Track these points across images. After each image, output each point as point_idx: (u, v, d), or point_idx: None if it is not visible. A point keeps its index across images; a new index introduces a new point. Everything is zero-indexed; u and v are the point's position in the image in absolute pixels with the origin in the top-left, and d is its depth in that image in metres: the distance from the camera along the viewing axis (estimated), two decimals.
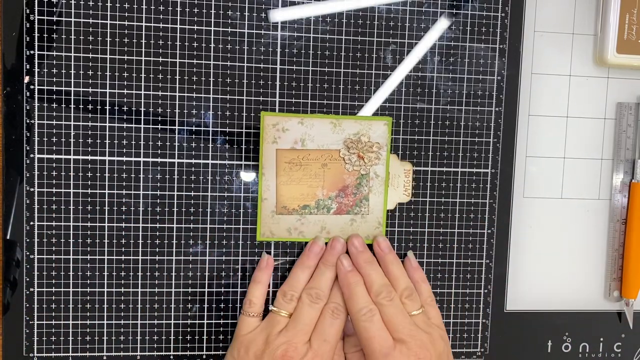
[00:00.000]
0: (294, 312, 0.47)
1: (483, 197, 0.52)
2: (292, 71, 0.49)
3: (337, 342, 0.48)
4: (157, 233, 0.49)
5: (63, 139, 0.48)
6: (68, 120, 0.48)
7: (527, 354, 0.54)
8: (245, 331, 0.48)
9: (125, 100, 0.48)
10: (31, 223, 0.48)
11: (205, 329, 0.51)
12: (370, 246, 0.50)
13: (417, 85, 0.51)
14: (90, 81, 0.48)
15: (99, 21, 0.47)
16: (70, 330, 0.49)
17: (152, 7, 0.48)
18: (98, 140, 0.48)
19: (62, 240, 0.48)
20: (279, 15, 0.49)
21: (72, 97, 0.47)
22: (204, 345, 0.51)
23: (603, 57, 0.52)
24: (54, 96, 0.47)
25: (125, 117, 0.48)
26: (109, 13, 0.47)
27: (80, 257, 0.49)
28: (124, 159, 0.48)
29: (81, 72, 0.47)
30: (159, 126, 0.49)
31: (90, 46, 0.47)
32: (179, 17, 0.48)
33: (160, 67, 0.48)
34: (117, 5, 0.47)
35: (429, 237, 0.52)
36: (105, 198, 0.48)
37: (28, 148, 0.48)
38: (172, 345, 0.50)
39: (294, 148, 0.49)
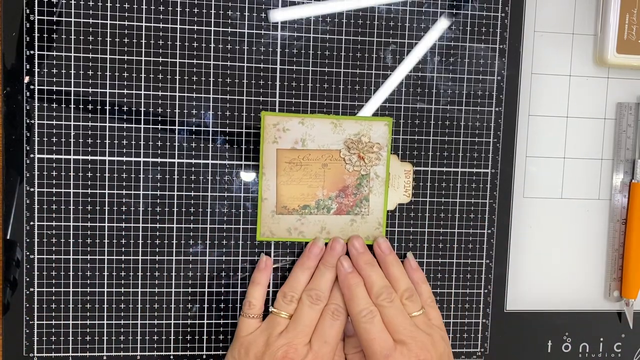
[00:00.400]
0: (294, 313, 0.47)
1: (483, 197, 0.52)
2: (292, 71, 0.49)
3: (337, 344, 0.47)
4: (157, 233, 0.49)
5: (63, 139, 0.48)
6: (68, 120, 0.48)
7: (527, 354, 0.54)
8: (245, 332, 0.48)
9: (125, 100, 0.48)
10: (31, 223, 0.48)
11: (205, 329, 0.51)
12: (370, 247, 0.50)
13: (417, 85, 0.51)
14: (90, 81, 0.48)
15: (99, 21, 0.47)
16: (70, 330, 0.49)
17: (152, 7, 0.48)
18: (98, 140, 0.48)
19: (62, 240, 0.48)
20: (279, 15, 0.49)
21: (72, 97, 0.47)
22: (204, 345, 0.51)
23: (603, 57, 0.52)
24: (54, 96, 0.47)
25: (125, 117, 0.48)
26: (109, 13, 0.47)
27: (80, 257, 0.49)
28: (124, 159, 0.48)
29: (81, 72, 0.47)
30: (159, 126, 0.49)
31: (90, 46, 0.47)
32: (179, 17, 0.48)
33: (160, 67, 0.48)
34: (117, 5, 0.47)
35: (429, 238, 0.52)
36: (105, 198, 0.48)
37: (28, 148, 0.48)
38: (172, 345, 0.50)
39: (295, 148, 0.49)
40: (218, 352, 0.51)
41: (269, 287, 0.50)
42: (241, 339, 0.47)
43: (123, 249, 0.49)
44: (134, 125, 0.48)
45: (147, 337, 0.50)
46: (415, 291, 0.48)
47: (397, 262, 0.50)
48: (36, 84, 0.47)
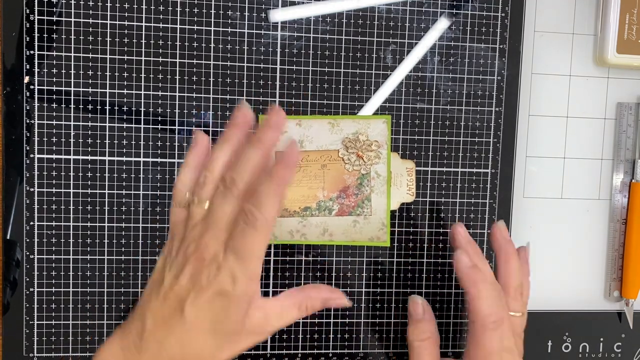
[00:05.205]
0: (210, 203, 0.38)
1: (483, 197, 0.52)
2: (292, 71, 0.49)
3: (258, 260, 0.36)
4: (157, 233, 0.49)
5: (63, 139, 0.48)
6: (68, 120, 0.48)
7: (527, 354, 0.54)
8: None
9: (125, 100, 0.48)
10: (31, 223, 0.48)
11: None
12: (373, 247, 0.50)
13: (417, 85, 0.51)
14: (90, 81, 0.48)
15: (99, 21, 0.47)
16: (70, 330, 0.49)
17: (152, 7, 0.48)
18: (98, 140, 0.48)
19: (62, 240, 0.48)
20: (279, 15, 0.49)
21: (72, 97, 0.47)
22: None
23: (603, 57, 0.52)
24: (54, 96, 0.47)
25: (125, 117, 0.48)
26: (109, 13, 0.47)
27: (80, 257, 0.49)
28: (124, 159, 0.48)
29: (81, 72, 0.47)
30: (159, 126, 0.49)
31: (90, 46, 0.47)
32: (179, 17, 0.48)
33: (160, 67, 0.48)
34: (117, 5, 0.47)
35: (429, 237, 0.52)
36: (105, 198, 0.48)
37: (28, 148, 0.48)
38: None
39: None
40: None
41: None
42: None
43: (123, 249, 0.49)
44: (134, 125, 0.48)
45: None
46: (522, 290, 0.45)
47: (516, 253, 0.45)
48: (36, 84, 0.47)
